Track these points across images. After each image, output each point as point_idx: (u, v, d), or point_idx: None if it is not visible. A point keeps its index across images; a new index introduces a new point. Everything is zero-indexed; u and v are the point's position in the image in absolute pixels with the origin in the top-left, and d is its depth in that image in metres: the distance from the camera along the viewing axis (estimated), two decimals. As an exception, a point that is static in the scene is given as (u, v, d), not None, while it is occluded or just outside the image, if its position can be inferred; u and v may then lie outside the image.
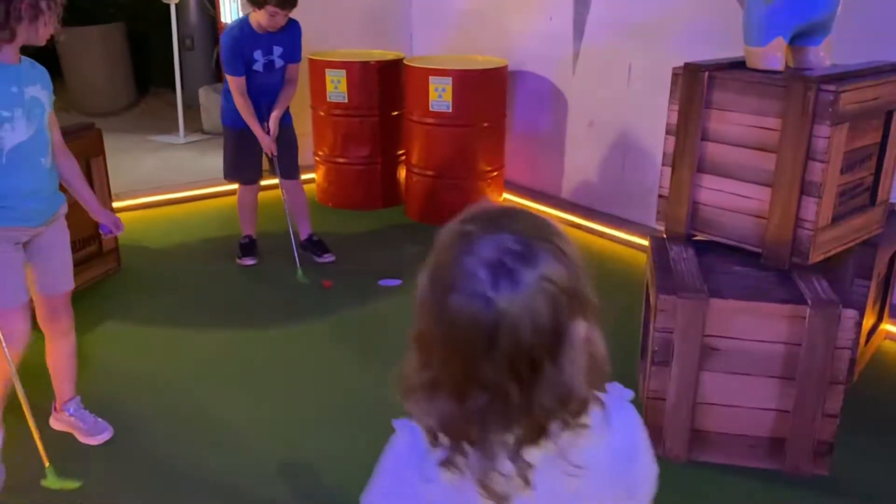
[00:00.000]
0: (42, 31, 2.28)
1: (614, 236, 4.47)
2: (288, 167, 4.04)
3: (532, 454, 0.85)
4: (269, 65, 3.81)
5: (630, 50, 4.42)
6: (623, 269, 4.07)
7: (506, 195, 5.06)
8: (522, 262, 0.82)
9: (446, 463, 0.86)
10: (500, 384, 0.81)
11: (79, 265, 3.73)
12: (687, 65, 2.62)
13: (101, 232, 2.74)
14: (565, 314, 0.83)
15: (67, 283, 2.51)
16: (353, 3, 5.62)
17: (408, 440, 0.91)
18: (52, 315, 2.49)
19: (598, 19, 4.60)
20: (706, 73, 2.57)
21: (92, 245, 3.86)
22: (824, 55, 2.65)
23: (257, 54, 3.77)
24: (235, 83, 3.76)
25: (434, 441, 0.87)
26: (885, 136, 2.63)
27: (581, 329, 0.86)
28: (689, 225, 2.73)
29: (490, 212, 0.88)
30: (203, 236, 4.53)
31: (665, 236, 2.81)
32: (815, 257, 2.49)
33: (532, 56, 5.04)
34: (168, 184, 5.27)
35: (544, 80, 5.02)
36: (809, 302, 2.29)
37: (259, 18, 3.68)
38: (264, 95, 3.85)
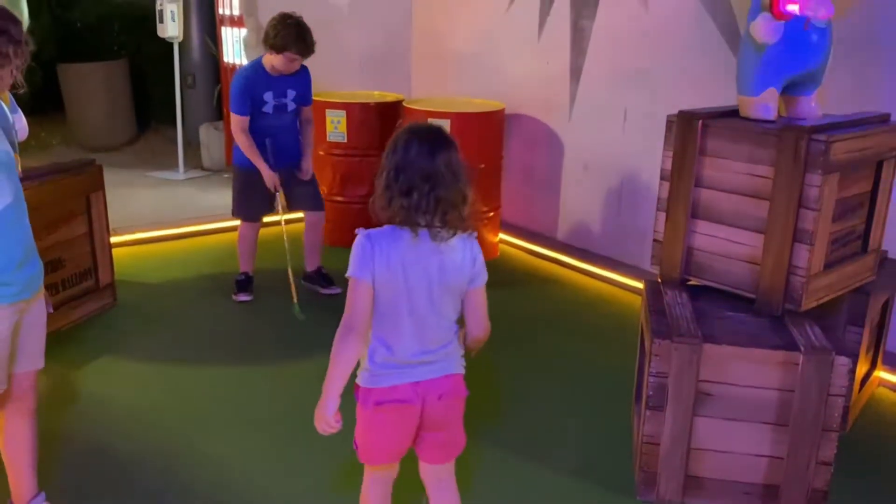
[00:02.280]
0: (6, 79, 1.99)
1: (609, 279, 4.49)
2: (316, 200, 4.18)
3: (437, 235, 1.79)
4: (280, 107, 3.91)
5: (625, 95, 4.49)
6: (618, 312, 4.08)
7: (502, 235, 5.09)
8: (446, 145, 1.81)
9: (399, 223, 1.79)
10: (427, 194, 1.75)
11: (75, 300, 3.77)
12: (681, 113, 2.67)
13: None
14: (463, 176, 1.81)
15: (40, 360, 2.24)
16: (355, 46, 5.71)
17: (363, 236, 1.81)
18: (18, 394, 2.19)
19: (594, 65, 4.69)
20: (700, 122, 2.62)
21: (88, 279, 3.87)
22: (815, 105, 2.70)
23: (268, 96, 3.85)
24: (238, 121, 3.83)
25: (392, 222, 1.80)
26: (876, 185, 2.68)
27: (469, 188, 1.82)
28: (683, 270, 2.76)
29: (423, 126, 1.88)
30: (200, 272, 4.54)
31: (660, 280, 2.83)
32: (808, 304, 2.51)
33: (529, 99, 5.12)
34: (166, 219, 5.30)
35: (541, 124, 5.09)
36: (802, 349, 2.30)
37: (274, 62, 3.78)
38: (270, 136, 3.91)
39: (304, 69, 3.95)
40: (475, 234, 1.87)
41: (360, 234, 1.81)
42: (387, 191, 1.77)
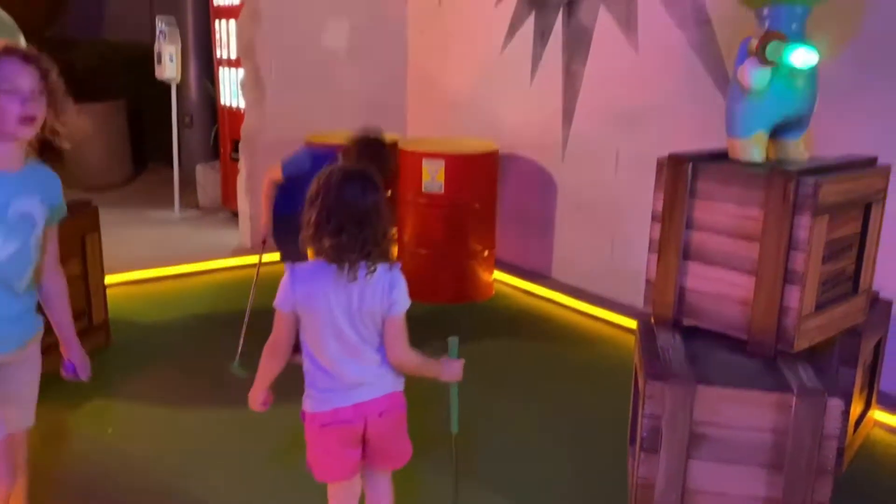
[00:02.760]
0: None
1: (604, 318, 4.50)
2: None
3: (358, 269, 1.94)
4: None
5: (617, 136, 4.55)
6: (612, 352, 4.08)
7: (497, 274, 5.11)
8: (372, 187, 1.97)
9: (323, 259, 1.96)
10: (356, 235, 1.91)
11: (68, 341, 3.75)
12: (671, 155, 2.71)
13: (63, 371, 2.29)
14: (387, 215, 1.98)
15: (30, 418, 2.18)
16: (351, 87, 5.79)
17: (289, 272, 1.99)
18: (4, 452, 2.09)
19: (585, 107, 4.76)
20: (690, 164, 2.65)
21: (82, 320, 3.86)
22: (804, 148, 2.74)
23: None
24: (274, 172, 3.63)
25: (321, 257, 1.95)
26: (865, 226, 2.71)
27: (390, 225, 2.01)
28: (676, 311, 2.77)
29: (354, 169, 2.01)
30: (194, 312, 4.54)
31: (653, 322, 2.84)
32: (801, 345, 2.52)
33: (522, 140, 5.18)
34: (161, 259, 5.31)
35: (534, 164, 5.14)
36: (795, 390, 2.31)
37: None
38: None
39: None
40: (398, 264, 2.03)
41: (287, 268, 2.00)
42: (317, 230, 1.93)
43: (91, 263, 3.89)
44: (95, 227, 3.94)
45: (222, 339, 4.13)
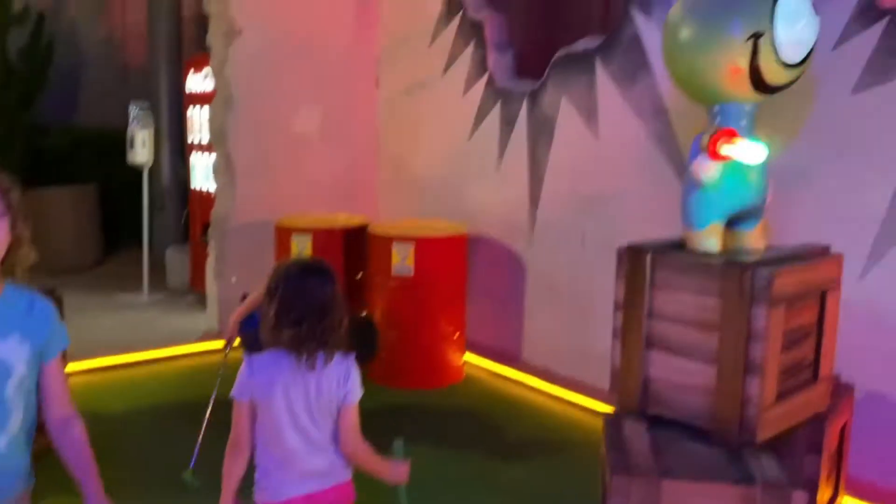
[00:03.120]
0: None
1: (574, 402, 4.48)
2: None
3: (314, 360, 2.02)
4: None
5: (583, 220, 4.64)
6: (583, 438, 4.05)
7: (468, 356, 5.09)
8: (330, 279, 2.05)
9: (285, 349, 2.02)
10: (315, 326, 1.98)
11: (25, 435, 3.64)
12: (630, 246, 2.76)
13: None
14: (342, 304, 2.05)
15: None
16: (322, 171, 5.87)
17: (246, 362, 2.05)
18: None
19: (551, 191, 4.86)
20: (649, 255, 2.70)
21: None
22: (759, 238, 2.81)
23: None
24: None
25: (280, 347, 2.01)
26: (822, 314, 2.75)
27: (345, 313, 2.05)
28: (641, 400, 2.77)
29: (310, 262, 2.15)
30: (159, 401, 4.45)
31: (619, 411, 2.84)
32: (763, 435, 2.53)
33: (491, 223, 5.25)
34: (126, 345, 5.23)
35: (503, 246, 5.20)
36: (759, 483, 2.30)
37: None
38: None
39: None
40: (352, 353, 2.10)
41: (245, 359, 2.06)
42: (277, 321, 1.99)
43: (52, 354, 3.81)
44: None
45: (185, 433, 4.04)
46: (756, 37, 2.51)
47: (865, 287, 3.36)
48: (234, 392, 2.06)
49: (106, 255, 8.11)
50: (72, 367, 4.11)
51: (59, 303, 3.89)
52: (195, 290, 6.58)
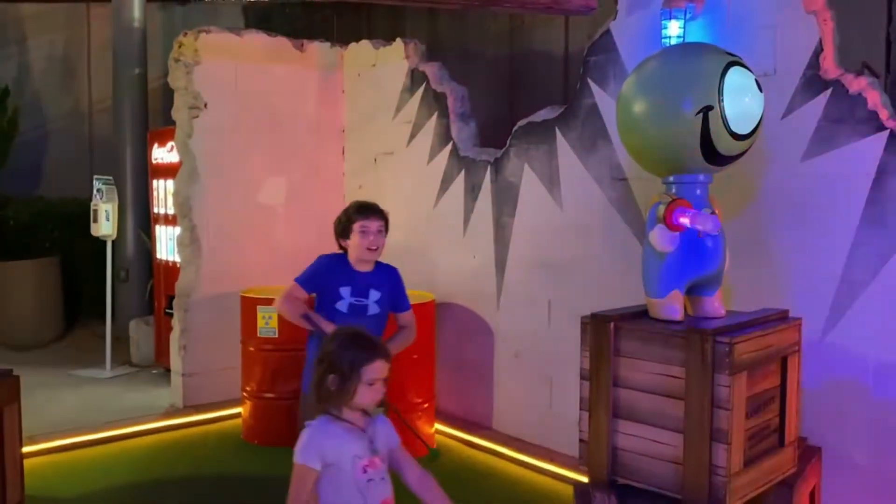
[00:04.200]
0: None
1: (545, 470, 4.43)
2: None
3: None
4: (358, 308, 3.36)
5: (548, 287, 4.67)
6: (555, 506, 4.00)
7: (438, 426, 5.03)
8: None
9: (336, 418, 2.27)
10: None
11: (-23, 525, 3.50)
12: (594, 315, 2.79)
13: None
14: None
15: None
16: (288, 241, 5.86)
17: (312, 426, 2.26)
18: None
19: (516, 258, 4.90)
20: (612, 324, 2.73)
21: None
22: (719, 304, 2.86)
23: (344, 291, 3.35)
24: (293, 289, 3.38)
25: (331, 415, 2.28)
26: (784, 379, 2.79)
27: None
28: (610, 470, 2.75)
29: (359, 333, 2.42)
30: (121, 482, 4.30)
31: (589, 481, 2.82)
32: (733, 503, 2.52)
33: (458, 290, 5.27)
34: (87, 423, 5.09)
35: (471, 313, 5.21)
36: (730, 555, 2.28)
37: (354, 251, 3.36)
38: None
39: (392, 270, 3.53)
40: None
41: (308, 425, 2.26)
42: (338, 391, 2.26)
43: (8, 437, 3.68)
44: (14, 398, 3.75)
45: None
46: (706, 110, 2.60)
47: (826, 349, 3.42)
48: (302, 458, 2.20)
49: (68, 328, 7.96)
50: (29, 447, 3.98)
51: (15, 385, 3.78)
52: (160, 364, 6.46)
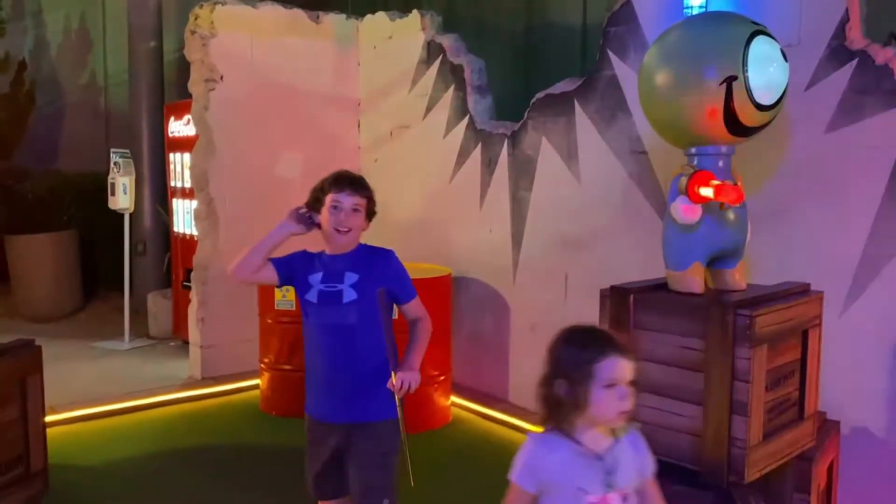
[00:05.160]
0: None
1: (561, 442, 4.45)
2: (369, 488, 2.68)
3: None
4: (329, 296, 2.64)
5: (564, 261, 4.66)
6: (571, 478, 4.01)
7: (454, 398, 5.05)
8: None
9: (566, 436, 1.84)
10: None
11: (3, 489, 3.56)
12: (613, 288, 2.77)
13: None
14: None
15: None
16: (304, 215, 5.86)
17: (535, 438, 1.91)
18: None
19: (533, 232, 4.88)
20: (631, 297, 2.71)
21: (18, 467, 3.68)
22: (740, 277, 2.83)
23: (314, 279, 2.67)
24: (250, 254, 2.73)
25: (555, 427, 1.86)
26: (805, 352, 2.77)
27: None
28: (628, 442, 2.75)
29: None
30: (141, 451, 4.36)
31: (606, 453, 2.82)
32: (752, 475, 2.52)
33: (474, 264, 5.26)
34: (108, 393, 5.15)
35: (487, 287, 5.20)
36: (749, 526, 2.29)
37: (324, 229, 2.70)
38: (327, 348, 2.66)
39: (383, 253, 2.78)
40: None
41: (531, 435, 1.90)
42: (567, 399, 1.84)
43: (31, 407, 3.74)
44: (37, 369, 3.82)
45: (168, 482, 3.97)
46: (730, 80, 2.56)
47: (847, 323, 3.39)
48: (517, 476, 1.88)
49: (86, 301, 8.03)
50: (51, 417, 4.03)
51: (37, 355, 3.84)
52: (178, 337, 6.51)
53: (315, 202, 2.74)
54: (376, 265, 2.72)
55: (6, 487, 3.59)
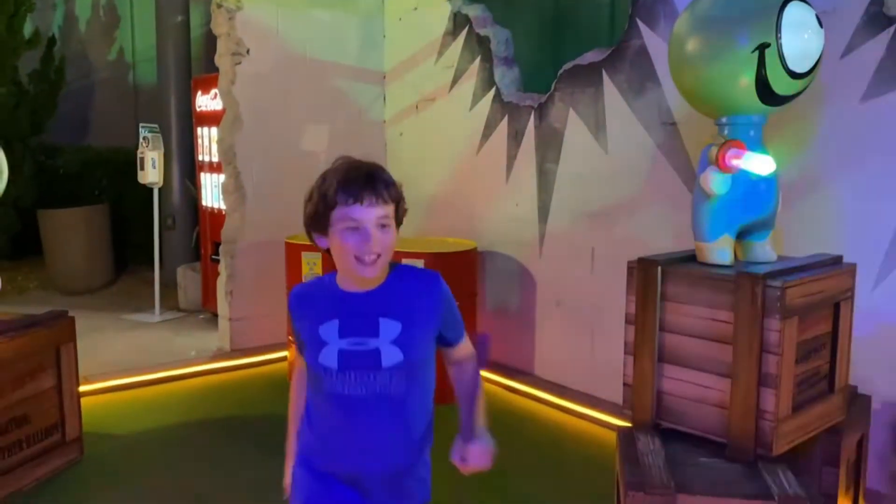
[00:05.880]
0: None
1: (587, 415, 4.46)
2: None
3: None
4: (358, 358, 1.81)
5: (591, 235, 4.62)
6: (596, 453, 4.01)
7: (480, 371, 5.06)
8: None
9: None
10: None
11: (39, 457, 3.66)
12: (640, 260, 2.75)
13: None
14: None
15: None
16: (330, 188, 5.88)
17: None
18: None
19: (559, 205, 4.85)
20: (659, 268, 2.69)
21: (55, 434, 3.78)
22: (770, 249, 2.79)
23: (328, 332, 1.83)
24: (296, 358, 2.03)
25: None
26: (836, 325, 2.73)
27: None
28: (654, 414, 2.75)
29: None
30: (172, 420, 4.45)
31: (632, 425, 2.82)
32: (779, 448, 2.50)
33: (500, 238, 5.24)
34: (139, 364, 5.24)
35: (513, 261, 5.19)
36: (776, 498, 2.27)
37: (338, 261, 1.83)
38: (355, 429, 1.84)
39: (430, 280, 1.91)
40: None
41: None
42: None
43: (66, 375, 3.83)
44: (71, 338, 3.90)
45: (199, 451, 4.05)
46: (763, 48, 2.50)
47: (879, 296, 3.34)
48: None
49: (117, 274, 8.16)
50: (84, 387, 4.11)
51: (71, 325, 3.91)
52: (207, 309, 6.60)
53: (316, 223, 1.82)
54: (423, 305, 1.87)
55: (44, 454, 3.69)
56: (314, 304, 1.89)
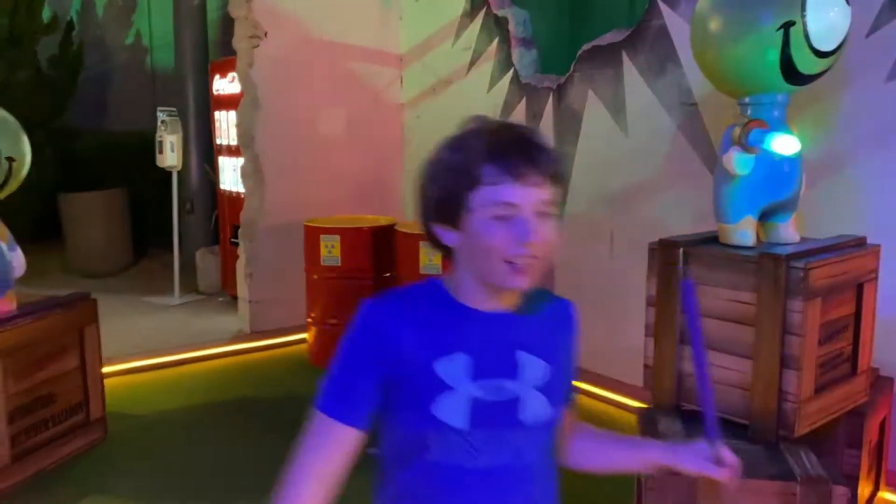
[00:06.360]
0: None
1: (608, 398, 4.46)
2: None
3: None
4: (497, 411, 1.26)
5: (610, 218, 4.60)
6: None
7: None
8: None
9: None
10: None
11: (64, 436, 3.72)
12: (662, 241, 2.74)
13: None
14: None
15: None
16: (348, 171, 5.90)
17: None
18: None
19: (578, 188, 4.82)
20: (680, 249, 2.68)
21: (79, 414, 3.83)
22: (793, 231, 2.77)
23: (452, 368, 1.25)
24: (315, 434, 1.38)
25: None
26: (859, 306, 2.71)
27: None
28: (675, 396, 2.75)
29: None
30: (192, 401, 4.50)
31: (653, 406, 2.82)
32: (802, 429, 2.49)
33: (519, 220, 5.22)
34: (160, 346, 5.30)
35: (531, 243, 5.17)
36: (799, 479, 2.27)
37: (477, 261, 1.26)
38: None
39: (564, 310, 1.45)
40: None
41: None
42: None
43: (89, 356, 3.88)
44: (93, 319, 3.95)
45: (220, 430, 4.09)
46: (787, 26, 2.47)
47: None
48: None
49: (136, 258, 8.22)
50: (105, 368, 4.16)
51: (93, 307, 3.96)
52: (226, 292, 6.64)
53: (442, 210, 1.28)
54: (562, 342, 1.41)
55: (69, 433, 3.75)
56: (427, 327, 1.26)
